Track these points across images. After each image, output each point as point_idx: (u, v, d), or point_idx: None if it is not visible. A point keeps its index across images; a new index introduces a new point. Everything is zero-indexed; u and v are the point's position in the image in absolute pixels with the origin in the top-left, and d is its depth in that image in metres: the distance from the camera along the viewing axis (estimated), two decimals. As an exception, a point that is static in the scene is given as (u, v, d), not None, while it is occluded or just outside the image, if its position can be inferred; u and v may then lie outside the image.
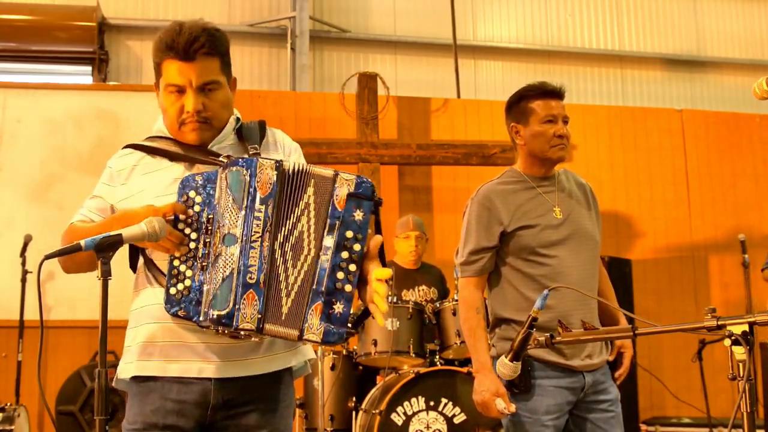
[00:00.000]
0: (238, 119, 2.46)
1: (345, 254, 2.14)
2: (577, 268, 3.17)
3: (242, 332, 2.13)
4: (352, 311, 2.17)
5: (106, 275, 1.99)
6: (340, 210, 2.16)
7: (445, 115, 7.51)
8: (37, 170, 6.74)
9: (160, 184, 2.31)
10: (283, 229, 2.16)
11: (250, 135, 2.42)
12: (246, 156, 2.30)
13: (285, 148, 2.48)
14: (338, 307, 2.13)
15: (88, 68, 7.75)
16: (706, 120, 7.97)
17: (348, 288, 2.14)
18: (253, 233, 2.12)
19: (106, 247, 2.00)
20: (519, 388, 3.06)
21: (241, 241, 2.12)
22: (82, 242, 2.00)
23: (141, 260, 2.33)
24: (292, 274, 2.15)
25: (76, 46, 7.58)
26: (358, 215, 2.16)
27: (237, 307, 2.09)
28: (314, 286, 2.13)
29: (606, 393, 3.17)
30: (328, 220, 2.16)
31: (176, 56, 2.28)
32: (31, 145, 6.77)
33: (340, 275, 2.13)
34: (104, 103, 6.93)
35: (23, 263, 6.22)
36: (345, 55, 8.48)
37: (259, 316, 2.10)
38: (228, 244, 2.13)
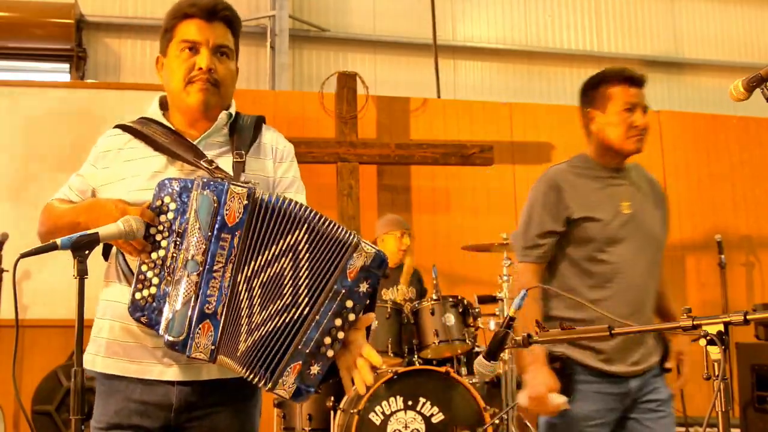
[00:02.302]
0: (230, 114, 2.39)
1: (338, 321, 2.08)
2: (639, 268, 3.02)
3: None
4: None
5: (82, 274, 1.97)
6: (349, 280, 2.08)
7: (424, 115, 7.51)
8: (13, 168, 6.68)
9: (140, 176, 2.26)
10: (252, 263, 2.09)
11: (242, 135, 2.36)
12: (233, 160, 2.27)
13: (276, 153, 2.43)
14: (315, 369, 2.08)
15: (66, 66, 7.68)
16: (683, 121, 8.01)
17: (330, 354, 2.09)
18: (215, 262, 2.07)
19: (82, 246, 1.98)
20: (559, 391, 2.89)
21: (203, 269, 2.07)
22: (58, 241, 1.98)
23: (114, 249, 2.30)
24: (260, 313, 2.09)
25: (54, 44, 7.51)
26: (363, 287, 2.09)
27: (191, 335, 2.06)
28: (300, 346, 2.07)
29: (656, 393, 3.03)
30: (335, 286, 2.07)
31: (198, 14, 2.29)
32: (8, 143, 6.71)
33: (327, 340, 2.08)
34: (82, 101, 6.87)
35: (-1, 262, 6.18)
36: (324, 55, 8.47)
37: (213, 347, 2.07)
38: (190, 270, 2.07)
